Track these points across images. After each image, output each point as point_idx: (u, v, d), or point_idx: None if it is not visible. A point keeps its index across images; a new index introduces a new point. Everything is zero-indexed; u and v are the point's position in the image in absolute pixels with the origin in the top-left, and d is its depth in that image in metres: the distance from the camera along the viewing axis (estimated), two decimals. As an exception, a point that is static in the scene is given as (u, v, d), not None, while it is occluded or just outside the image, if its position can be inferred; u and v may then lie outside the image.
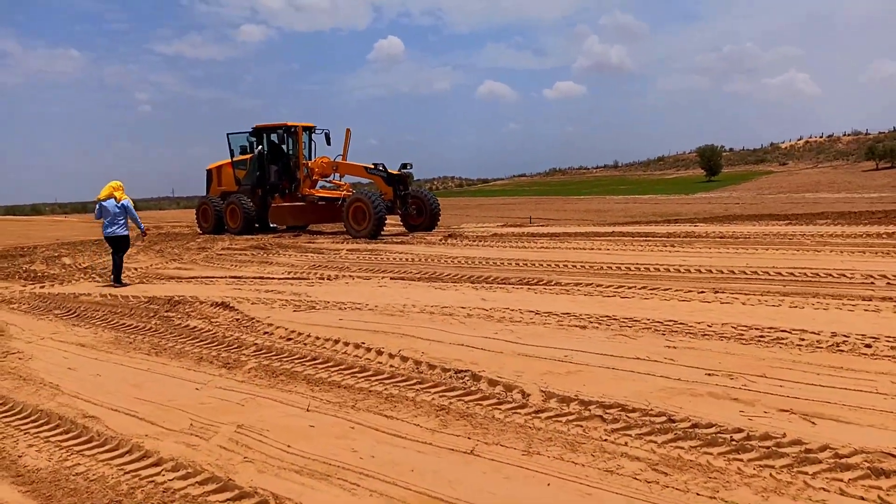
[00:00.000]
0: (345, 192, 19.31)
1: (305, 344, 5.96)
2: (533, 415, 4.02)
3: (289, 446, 3.67)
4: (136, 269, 11.83)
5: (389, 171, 17.97)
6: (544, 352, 5.30)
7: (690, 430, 3.63)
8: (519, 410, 4.10)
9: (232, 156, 20.71)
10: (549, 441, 3.61)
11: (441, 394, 4.47)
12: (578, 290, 8.05)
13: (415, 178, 18.82)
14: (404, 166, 18.31)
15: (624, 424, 3.78)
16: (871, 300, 6.70)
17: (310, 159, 20.01)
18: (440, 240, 15.63)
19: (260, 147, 19.94)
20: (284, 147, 20.22)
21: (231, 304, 7.75)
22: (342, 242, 15.95)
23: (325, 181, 20.50)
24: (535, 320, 6.44)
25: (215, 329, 6.69)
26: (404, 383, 4.73)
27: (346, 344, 5.79)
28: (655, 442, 3.53)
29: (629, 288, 7.95)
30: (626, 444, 3.53)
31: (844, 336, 5.30)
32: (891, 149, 53.86)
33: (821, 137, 77.12)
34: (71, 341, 6.54)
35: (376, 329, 6.31)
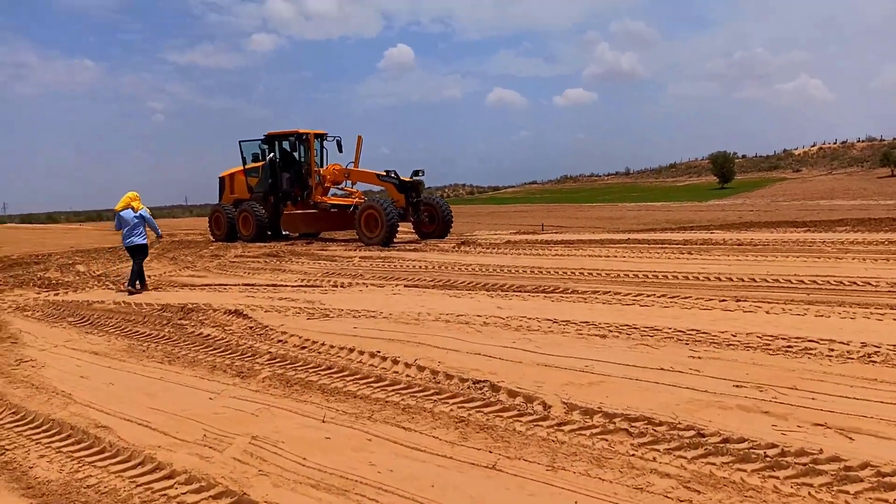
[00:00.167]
0: (357, 200, 19.26)
1: (320, 353, 5.86)
2: (555, 427, 3.89)
3: (305, 459, 3.57)
4: (149, 276, 11.77)
5: (401, 178, 17.90)
6: (564, 361, 5.17)
7: (721, 445, 3.48)
8: (541, 423, 3.97)
9: (244, 163, 20.74)
10: (573, 456, 3.47)
11: (459, 405, 4.35)
12: (596, 298, 7.90)
13: (425, 186, 18.71)
14: (416, 173, 18.22)
15: (651, 438, 3.64)
16: (899, 309, 6.51)
17: (322, 166, 19.99)
18: (453, 247, 15.52)
19: (272, 154, 19.96)
20: (296, 154, 20.22)
21: (244, 312, 7.68)
22: (355, 250, 15.89)
23: (337, 188, 20.47)
24: (554, 329, 6.31)
25: (229, 337, 6.61)
26: (421, 394, 4.61)
27: (362, 353, 5.69)
28: (685, 457, 3.39)
29: (648, 296, 7.80)
30: (654, 459, 3.39)
31: (875, 347, 5.13)
32: (906, 155, 53.29)
33: (834, 144, 76.43)
34: (84, 349, 6.48)
35: (391, 337, 6.21)
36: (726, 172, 62.26)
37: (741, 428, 3.70)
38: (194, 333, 6.88)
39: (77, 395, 4.89)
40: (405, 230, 19.26)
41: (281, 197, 19.99)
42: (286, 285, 10.21)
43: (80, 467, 3.61)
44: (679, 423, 3.79)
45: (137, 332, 7.17)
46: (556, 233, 20.78)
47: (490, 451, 3.58)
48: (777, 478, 3.13)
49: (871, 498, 2.88)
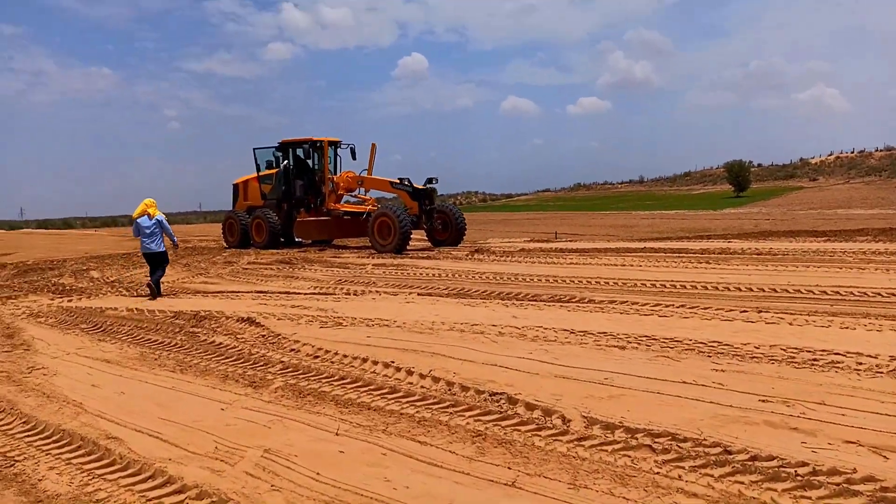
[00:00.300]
0: (370, 207, 19.22)
1: (333, 362, 5.77)
2: (576, 443, 3.77)
3: (318, 474, 3.47)
4: (162, 282, 11.77)
5: (415, 185, 17.84)
6: (583, 374, 5.05)
7: (750, 464, 3.35)
8: (560, 437, 3.85)
9: (258, 170, 20.79)
10: (595, 473, 3.35)
11: (476, 418, 4.24)
12: (613, 308, 7.77)
13: (438, 194, 18.63)
14: (430, 181, 18.15)
15: (676, 455, 3.51)
16: (927, 321, 6.33)
17: (335, 174, 19.99)
18: (467, 255, 15.42)
19: (286, 162, 19.99)
20: (310, 162, 20.23)
21: (257, 320, 7.61)
22: (368, 257, 15.83)
23: (351, 196, 20.46)
24: (571, 340, 6.19)
25: (241, 346, 6.54)
26: (437, 406, 4.51)
27: (375, 363, 5.60)
28: (712, 476, 3.27)
29: (666, 306, 7.65)
30: (680, 477, 3.27)
31: (905, 360, 4.96)
32: (926, 164, 52.53)
33: (852, 153, 75.60)
34: (96, 357, 6.44)
35: (405, 347, 6.11)
36: (742, 181, 61.65)
37: (770, 445, 3.57)
38: (207, 341, 6.82)
39: (88, 405, 4.83)
40: (418, 238, 19.19)
41: (294, 204, 20.00)
42: (299, 293, 10.15)
43: (90, 480, 3.53)
44: (704, 440, 3.66)
45: (150, 339, 7.12)
46: (570, 241, 20.61)
47: (509, 468, 3.47)
48: (809, 498, 3.00)
49: (911, 522, 2.74)
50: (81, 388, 5.33)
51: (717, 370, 5.00)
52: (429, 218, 17.86)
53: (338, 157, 20.30)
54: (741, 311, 7.14)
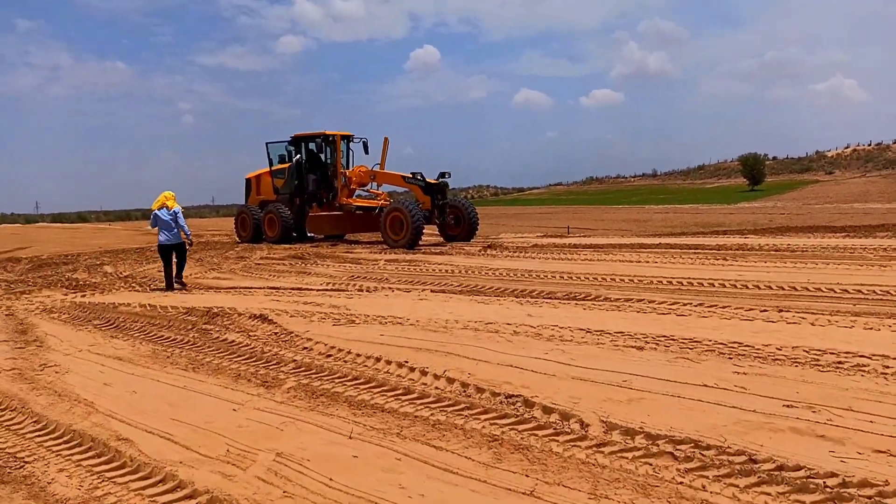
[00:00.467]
0: (382, 202, 19.16)
1: (346, 361, 5.70)
2: (595, 449, 3.67)
3: (331, 479, 3.39)
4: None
5: (427, 180, 17.73)
6: (601, 375, 4.94)
7: (776, 473, 3.23)
8: (579, 443, 3.75)
9: (271, 165, 20.78)
10: (616, 482, 3.25)
11: (492, 421, 4.15)
12: (630, 306, 7.64)
13: (450, 188, 18.53)
14: (442, 175, 18.05)
15: (699, 464, 3.40)
16: (954, 322, 6.16)
17: (348, 168, 19.93)
18: (479, 250, 15.31)
19: (298, 156, 19.95)
20: (322, 156, 20.19)
21: (269, 317, 7.56)
22: (380, 253, 15.76)
23: (363, 190, 20.40)
24: (588, 339, 6.07)
25: (253, 343, 6.48)
26: (452, 408, 4.42)
27: (389, 363, 5.52)
28: (737, 486, 3.15)
29: (684, 305, 7.51)
30: (704, 487, 3.16)
31: (934, 364, 4.81)
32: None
33: (869, 146, 74.62)
34: (108, 354, 6.41)
35: (419, 346, 6.02)
36: (756, 174, 61.09)
37: (796, 453, 3.45)
38: (219, 339, 6.77)
39: (99, 404, 4.79)
40: (430, 233, 19.09)
41: (307, 198, 19.97)
42: (311, 289, 10.09)
43: (100, 483, 3.48)
44: (728, 447, 3.54)
45: (162, 336, 7.09)
46: (583, 236, 20.44)
47: (527, 475, 3.37)
48: (841, 512, 2.88)
49: (950, 540, 2.62)
50: (93, 386, 5.30)
51: (738, 373, 4.87)
52: (441, 213, 17.76)
53: (350, 152, 20.26)
54: (761, 311, 6.99)
